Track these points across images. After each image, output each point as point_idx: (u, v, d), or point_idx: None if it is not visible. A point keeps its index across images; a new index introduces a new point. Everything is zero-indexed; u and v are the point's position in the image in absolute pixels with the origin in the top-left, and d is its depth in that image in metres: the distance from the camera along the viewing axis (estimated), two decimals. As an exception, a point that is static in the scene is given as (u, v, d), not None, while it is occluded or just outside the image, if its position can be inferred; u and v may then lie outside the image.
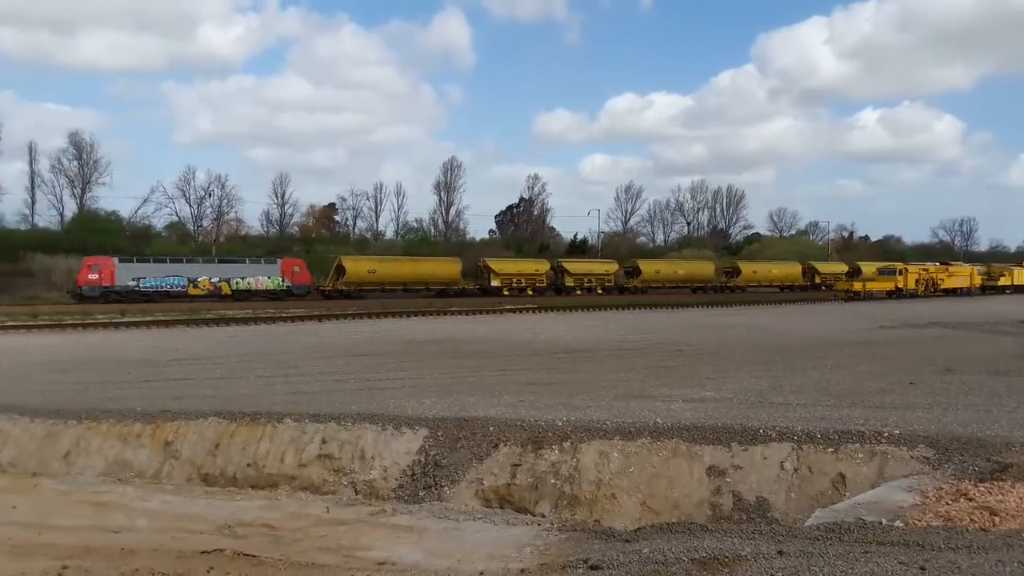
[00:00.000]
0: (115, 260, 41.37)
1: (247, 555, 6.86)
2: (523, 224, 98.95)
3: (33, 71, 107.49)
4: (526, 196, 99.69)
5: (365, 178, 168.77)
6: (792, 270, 70.51)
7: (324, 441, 10.37)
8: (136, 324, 30.85)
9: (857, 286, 58.35)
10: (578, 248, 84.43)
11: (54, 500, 9.30)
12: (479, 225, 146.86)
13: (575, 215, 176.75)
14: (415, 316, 36.44)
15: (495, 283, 51.21)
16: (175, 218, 74.25)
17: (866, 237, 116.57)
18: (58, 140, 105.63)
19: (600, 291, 56.34)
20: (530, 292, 52.46)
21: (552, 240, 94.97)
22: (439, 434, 10.09)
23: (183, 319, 32.67)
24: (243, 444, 10.60)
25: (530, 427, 9.88)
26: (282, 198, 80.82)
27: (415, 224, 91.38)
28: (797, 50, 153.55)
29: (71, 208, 68.22)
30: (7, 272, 42.45)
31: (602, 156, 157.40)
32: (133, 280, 40.96)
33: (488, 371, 16.16)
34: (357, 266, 45.60)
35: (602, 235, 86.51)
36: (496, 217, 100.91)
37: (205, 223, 75.75)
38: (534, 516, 8.61)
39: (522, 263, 55.50)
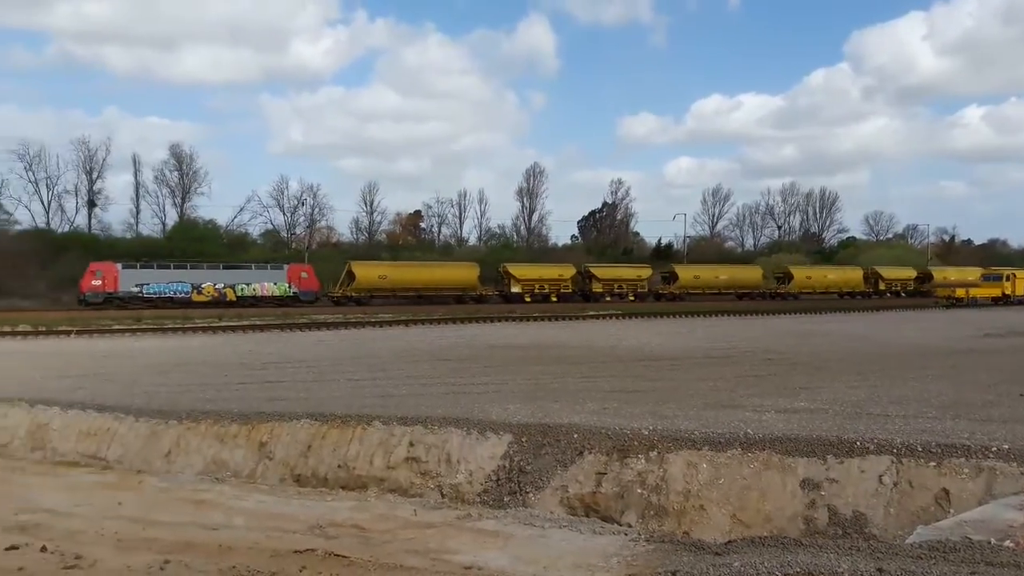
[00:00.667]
0: (118, 266, 41.05)
1: (338, 555, 7.01)
2: (606, 229, 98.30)
3: (137, 87, 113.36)
4: (609, 201, 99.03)
5: (450, 185, 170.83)
6: (852, 275, 66.06)
7: (411, 444, 10.51)
8: (233, 328, 32.05)
9: (960, 292, 55.57)
10: (663, 253, 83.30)
11: (156, 497, 9.72)
12: (562, 231, 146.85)
13: (660, 219, 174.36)
14: (499, 321, 36.64)
15: (515, 289, 48.97)
16: (270, 226, 76.90)
17: (968, 241, 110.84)
18: (160, 152, 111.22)
19: (632, 297, 53.28)
20: (554, 299, 49.77)
21: (636, 245, 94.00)
22: (523, 440, 10.08)
23: (277, 324, 33.77)
24: (334, 446, 10.84)
25: (615, 435, 9.77)
26: (370, 206, 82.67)
27: (497, 230, 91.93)
28: (894, 47, 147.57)
29: (172, 217, 71.55)
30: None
31: (688, 159, 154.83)
32: (136, 286, 40.61)
33: (572, 377, 16.10)
34: (368, 272, 44.56)
35: (688, 240, 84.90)
36: (579, 222, 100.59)
37: (298, 231, 78.18)
38: (620, 525, 8.51)
39: (545, 268, 52.80)
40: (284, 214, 77.45)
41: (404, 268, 46.70)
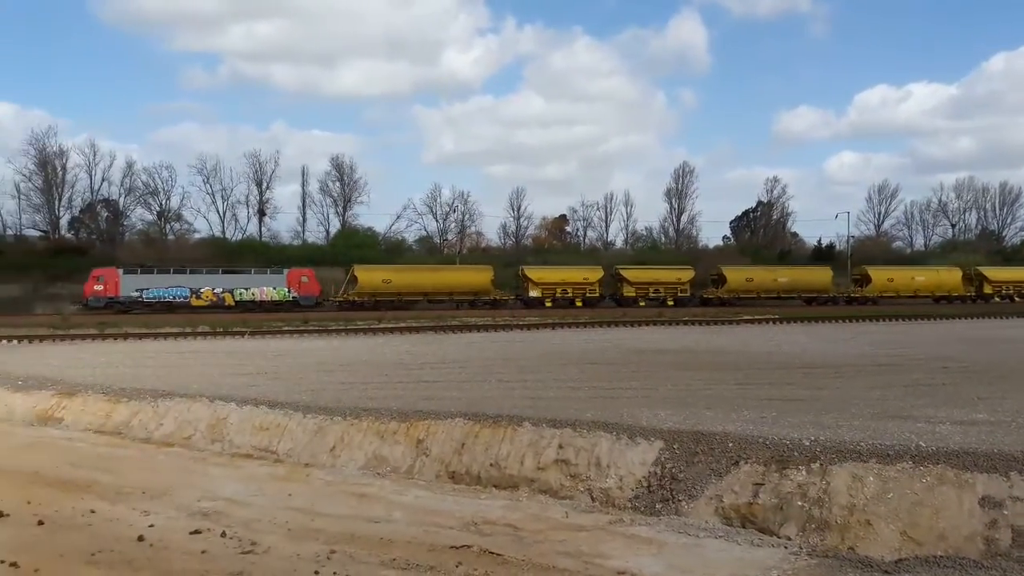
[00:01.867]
0: (119, 271, 41.40)
1: (492, 553, 7.15)
2: (760, 230, 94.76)
3: (302, 102, 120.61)
4: (764, 200, 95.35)
5: (596, 188, 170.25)
6: (947, 277, 57.65)
7: (561, 447, 10.56)
8: (390, 330, 33.46)
9: None
10: (824, 255, 79.20)
11: (323, 489, 10.28)
12: (713, 232, 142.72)
13: (820, 219, 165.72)
14: (647, 325, 36.19)
15: (533, 293, 46.02)
16: (424, 232, 79.62)
17: None
18: (323, 163, 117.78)
19: (671, 302, 48.48)
20: (579, 304, 46.36)
21: (794, 246, 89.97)
22: (675, 447, 9.89)
23: (431, 326, 34.95)
24: (486, 445, 11.06)
25: (773, 445, 9.39)
26: (518, 211, 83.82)
27: (644, 232, 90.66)
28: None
29: (335, 225, 75.53)
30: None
31: (851, 154, 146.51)
32: (136, 291, 40.86)
33: (726, 384, 15.62)
34: (370, 276, 43.78)
35: (852, 240, 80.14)
36: (731, 223, 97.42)
37: (449, 236, 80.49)
38: (779, 538, 8.16)
39: (567, 271, 48.76)
40: (437, 221, 80.00)
41: (409, 272, 45.67)
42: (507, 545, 7.52)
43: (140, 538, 8.01)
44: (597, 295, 47.39)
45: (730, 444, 9.64)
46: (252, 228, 73.23)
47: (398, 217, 77.26)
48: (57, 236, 63.06)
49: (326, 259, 52.07)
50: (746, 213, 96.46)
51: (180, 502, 9.52)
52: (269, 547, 7.63)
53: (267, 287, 41.27)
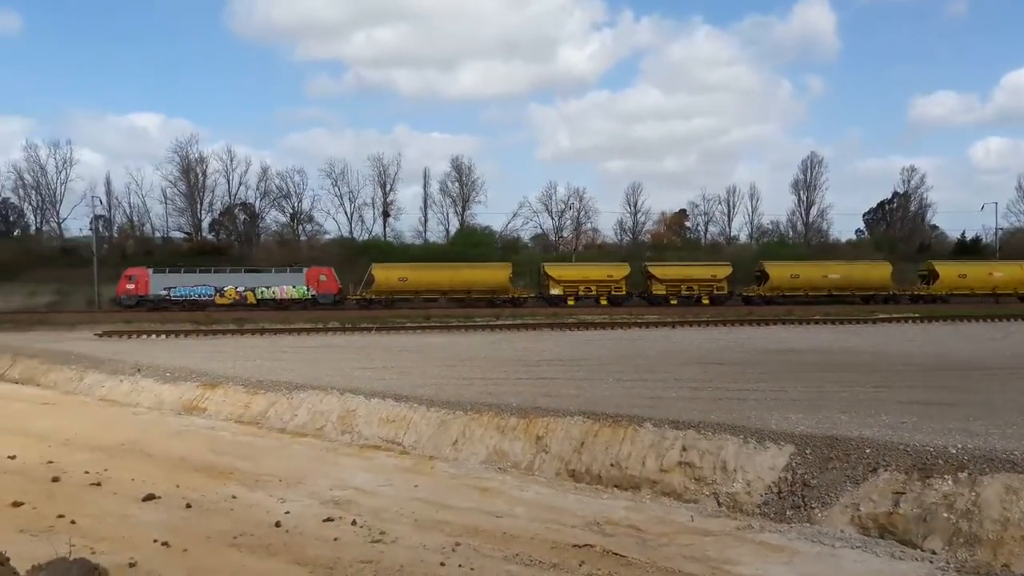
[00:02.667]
0: (150, 271, 42.87)
1: (616, 554, 7.07)
2: (897, 222, 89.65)
3: (423, 105, 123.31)
4: (900, 191, 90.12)
5: (717, 182, 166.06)
6: None
7: (684, 448, 10.33)
8: (508, 327, 33.82)
9: None
10: (968, 248, 74.07)
11: (446, 482, 10.48)
12: (844, 225, 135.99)
13: (964, 211, 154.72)
14: (772, 325, 34.96)
15: (555, 291, 44.67)
16: (539, 230, 79.96)
17: None
18: (443, 165, 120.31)
19: (707, 300, 46.04)
20: (604, 302, 44.61)
21: (935, 240, 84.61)
22: (807, 452, 9.48)
23: (548, 323, 35.09)
24: (606, 444, 10.97)
25: (915, 452, 8.84)
26: (634, 207, 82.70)
27: (770, 227, 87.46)
28: None
29: (454, 224, 76.96)
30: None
31: (998, 140, 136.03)
32: (164, 289, 42.06)
33: (861, 386, 14.85)
34: (387, 274, 43.95)
35: (1000, 232, 74.49)
36: (864, 216, 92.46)
37: (565, 234, 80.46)
38: (923, 551, 7.68)
39: (589, 268, 47.10)
40: (552, 218, 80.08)
41: (426, 270, 45.19)
42: (631, 547, 7.43)
43: (277, 524, 8.40)
44: (624, 292, 45.50)
45: (867, 450, 9.15)
46: (377, 229, 75.67)
47: (514, 215, 77.91)
48: (199, 237, 67.32)
49: (447, 257, 53.16)
50: (881, 205, 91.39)
51: (313, 490, 9.93)
52: (397, 537, 7.83)
53: (287, 286, 42.49)
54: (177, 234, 69.83)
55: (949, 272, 50.02)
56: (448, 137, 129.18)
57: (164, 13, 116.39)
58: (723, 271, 47.21)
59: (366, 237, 72.33)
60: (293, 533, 8.11)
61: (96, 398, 18.64)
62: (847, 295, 47.92)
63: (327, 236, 72.16)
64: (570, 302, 43.95)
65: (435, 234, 76.94)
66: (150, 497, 9.70)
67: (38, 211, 69.92)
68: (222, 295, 41.47)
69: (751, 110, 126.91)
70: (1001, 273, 50.43)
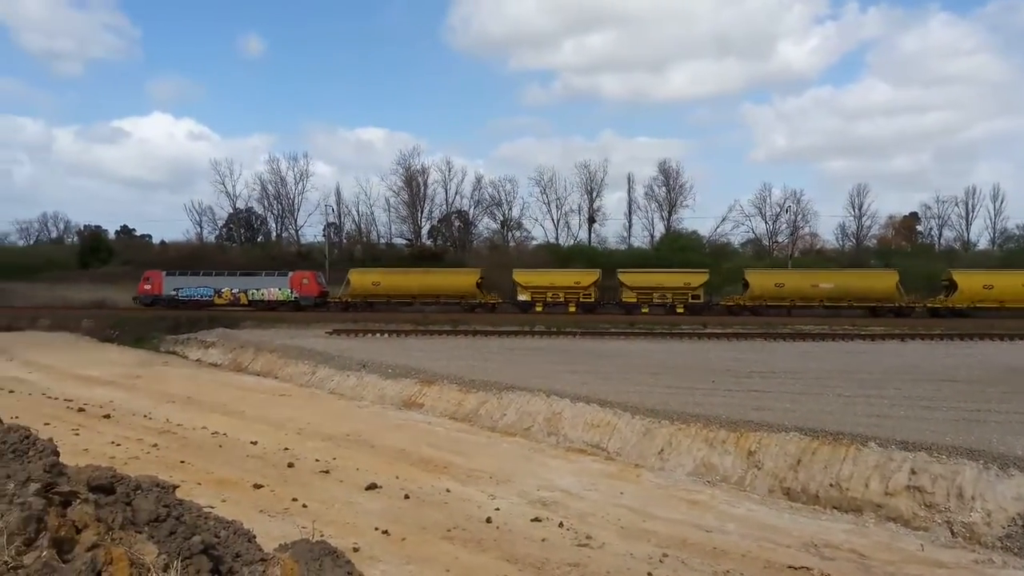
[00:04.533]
0: (163, 274, 45.66)
1: (835, 580, 6.66)
2: None
3: (629, 109, 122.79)
4: None
5: (954, 182, 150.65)
6: None
7: (913, 472, 9.53)
8: (717, 335, 32.80)
9: None
10: None
11: (652, 492, 10.37)
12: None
13: None
14: (1021, 340, 31.20)
15: (522, 297, 43.90)
16: (751, 235, 76.95)
17: None
18: (649, 169, 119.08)
19: (681, 309, 42.95)
20: (572, 309, 43.50)
21: None
22: (1065, 483, 8.40)
23: (759, 332, 33.60)
24: (824, 463, 10.36)
25: None
26: (859, 210, 77.05)
27: (1017, 231, 78.23)
28: None
29: (659, 229, 75.95)
30: (607, 288, 48.81)
31: None
32: (174, 290, 44.74)
33: None
34: (361, 278, 45.41)
35: None
36: None
37: (780, 239, 76.81)
38: None
39: (556, 274, 45.95)
40: (766, 222, 76.63)
41: (396, 275, 46.31)
42: (852, 573, 6.96)
43: (488, 520, 8.73)
44: (592, 299, 44.24)
45: None
46: (583, 234, 76.48)
47: (723, 219, 75.37)
48: (419, 243, 71.62)
49: (651, 263, 52.67)
50: None
51: (522, 489, 10.21)
52: (603, 543, 7.87)
53: (274, 288, 44.88)
54: (399, 240, 74.66)
55: (971, 282, 42.92)
56: (655, 141, 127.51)
57: (389, 34, 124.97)
58: (697, 279, 44.36)
59: (571, 243, 73.33)
60: (503, 530, 8.38)
61: (326, 391, 20.32)
62: (844, 306, 43.30)
63: (534, 242, 73.98)
64: (538, 308, 43.64)
65: (639, 239, 76.42)
66: (372, 486, 10.44)
67: (279, 219, 77.51)
68: (220, 296, 44.77)
69: (997, 103, 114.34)
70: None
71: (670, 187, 77.24)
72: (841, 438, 10.60)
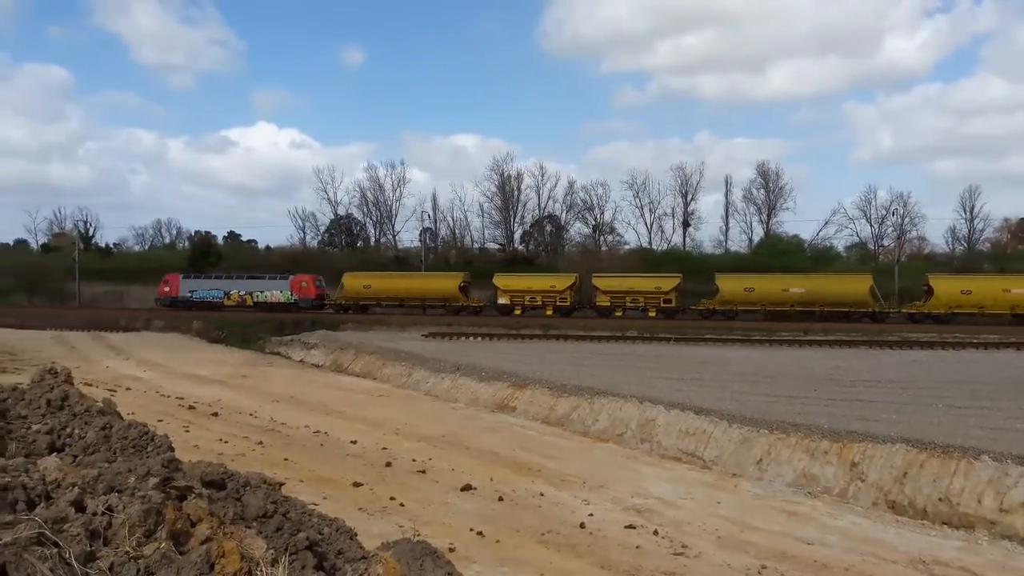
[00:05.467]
0: (180, 276, 48.60)
1: (946, 599, 6.37)
2: None
3: (727, 110, 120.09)
4: None
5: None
6: None
7: (1034, 489, 9.00)
8: (819, 343, 31.76)
9: None
10: None
11: (750, 502, 10.14)
12: None
13: None
14: None
15: (502, 300, 45.45)
16: (855, 238, 74.07)
17: None
18: (747, 171, 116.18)
19: (653, 313, 43.70)
20: (549, 312, 44.70)
21: None
22: None
23: (864, 340, 32.34)
24: (933, 476, 9.90)
25: None
26: (971, 212, 73.09)
27: None
28: None
29: (758, 233, 74.04)
30: (701, 293, 48.00)
31: None
32: (189, 292, 47.45)
33: None
34: (354, 282, 47.49)
35: None
36: None
37: (886, 242, 73.67)
38: None
39: (533, 278, 47.73)
40: (871, 225, 73.66)
41: (386, 279, 48.93)
42: (965, 593, 6.64)
43: (582, 525, 8.74)
44: (568, 304, 45.39)
45: None
46: (677, 239, 75.34)
47: (826, 223, 72.79)
48: (511, 248, 72.14)
49: (749, 268, 51.43)
50: None
51: (615, 495, 10.17)
52: (700, 553, 7.76)
53: (276, 291, 47.34)
54: (492, 245, 75.42)
55: (948, 287, 42.01)
56: (753, 142, 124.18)
57: (483, 42, 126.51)
58: (668, 283, 44.90)
59: (665, 247, 72.37)
60: (597, 536, 8.38)
61: (422, 392, 20.73)
62: (814, 310, 42.73)
63: (627, 247, 73.34)
64: (517, 312, 44.75)
65: (737, 243, 74.71)
66: (467, 488, 10.60)
67: (377, 225, 79.52)
68: (228, 297, 47.37)
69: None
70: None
71: (769, 189, 75.27)
72: (951, 451, 10.12)
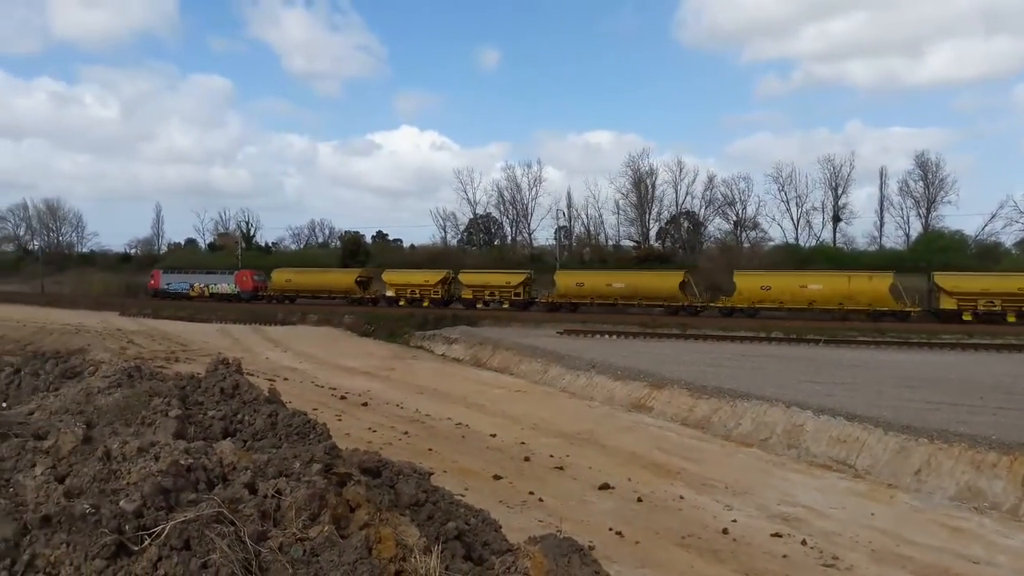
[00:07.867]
0: (161, 272, 57.36)
1: None
2: None
3: (880, 97, 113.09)
4: None
5: None
6: (869, 287, 39.56)
7: None
8: (985, 347, 29.45)
9: None
10: None
11: (908, 515, 9.54)
12: None
13: None
14: None
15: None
16: (1025, 234, 68.14)
17: None
18: (904, 162, 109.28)
19: (506, 305, 47.36)
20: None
21: None
22: None
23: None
24: (1124, 499, 8.98)
25: None
26: None
27: None
28: None
29: (916, 228, 69.41)
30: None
31: None
32: (166, 284, 55.77)
33: None
34: (279, 276, 53.67)
35: None
36: None
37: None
38: None
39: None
40: (1044, 219, 67.60)
41: (304, 274, 54.20)
42: None
43: (724, 531, 8.51)
44: (439, 296, 49.62)
45: None
46: (826, 234, 71.79)
47: (992, 217, 67.35)
48: (646, 245, 71.11)
49: (906, 265, 48.31)
50: None
51: (760, 502, 9.84)
52: (852, 565, 7.39)
53: (224, 284, 54.73)
54: (627, 242, 74.60)
55: (748, 283, 42.39)
56: (910, 131, 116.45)
57: (618, 37, 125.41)
58: (516, 278, 48.98)
59: (813, 243, 69.15)
60: (740, 542, 8.14)
61: (558, 389, 20.82)
62: (634, 304, 44.98)
63: (771, 243, 70.59)
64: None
65: (892, 239, 70.36)
66: (605, 486, 10.55)
67: (513, 223, 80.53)
68: (192, 289, 55.05)
69: None
70: (819, 285, 41.65)
71: (928, 181, 70.47)
72: None
